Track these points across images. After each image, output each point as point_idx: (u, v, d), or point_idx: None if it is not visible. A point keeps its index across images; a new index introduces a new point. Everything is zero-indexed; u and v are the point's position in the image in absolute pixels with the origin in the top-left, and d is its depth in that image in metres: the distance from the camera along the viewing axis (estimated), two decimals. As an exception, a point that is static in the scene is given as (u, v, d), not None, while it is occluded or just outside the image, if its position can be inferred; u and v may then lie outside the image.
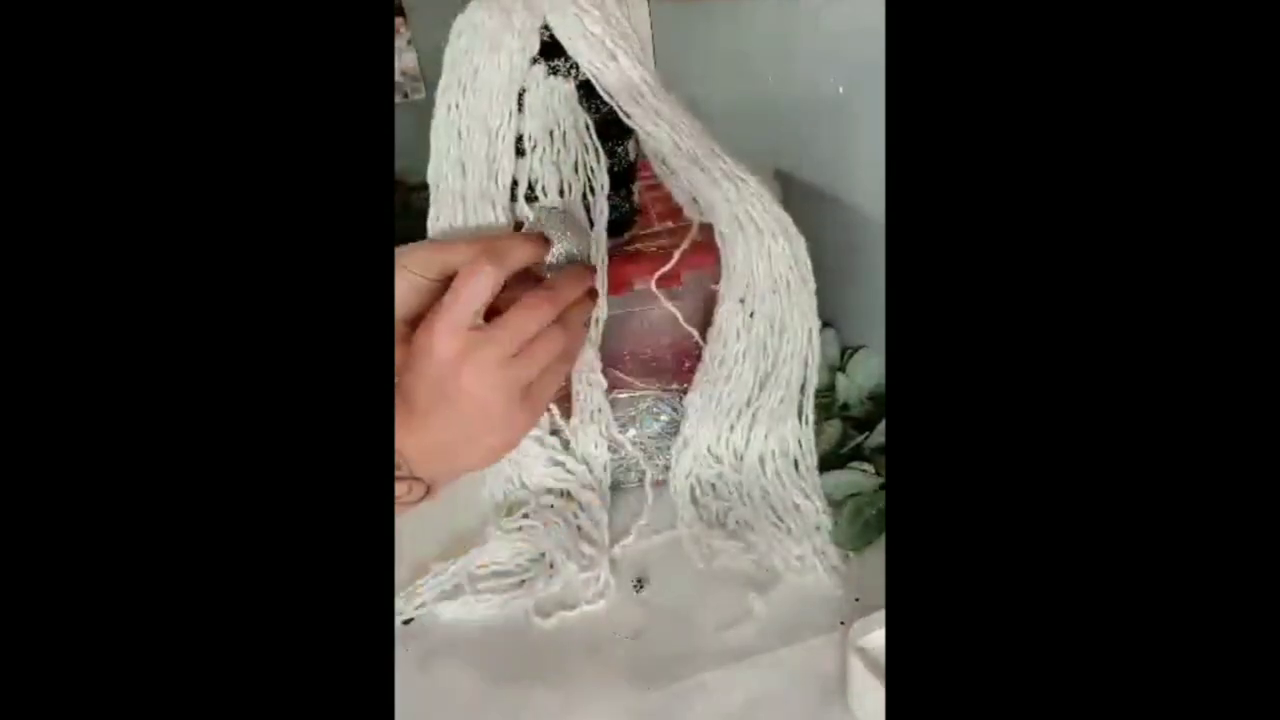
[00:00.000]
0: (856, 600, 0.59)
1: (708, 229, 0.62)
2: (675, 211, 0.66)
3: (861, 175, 0.75)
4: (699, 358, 0.67)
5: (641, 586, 0.63)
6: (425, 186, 0.61)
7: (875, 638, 0.51)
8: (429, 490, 0.48)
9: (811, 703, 0.52)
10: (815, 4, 0.76)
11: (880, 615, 0.51)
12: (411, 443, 0.47)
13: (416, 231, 0.61)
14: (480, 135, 0.58)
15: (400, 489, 0.47)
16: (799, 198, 0.85)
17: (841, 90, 0.75)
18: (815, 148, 0.82)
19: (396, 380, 0.48)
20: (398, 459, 0.47)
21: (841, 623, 0.57)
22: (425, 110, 0.60)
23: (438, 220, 0.61)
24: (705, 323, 0.66)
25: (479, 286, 0.47)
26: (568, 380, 0.66)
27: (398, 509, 0.47)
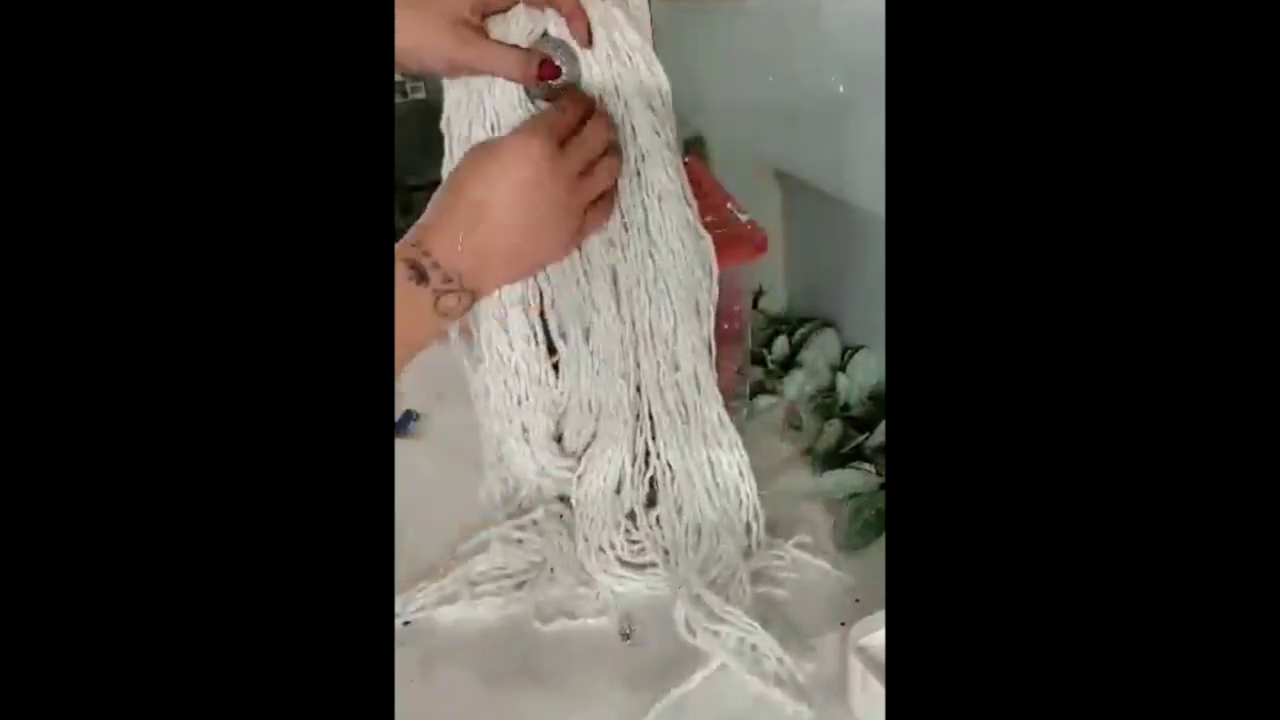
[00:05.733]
0: (856, 601, 0.59)
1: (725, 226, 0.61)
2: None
3: (861, 175, 0.75)
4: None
5: (629, 635, 0.60)
6: (425, 186, 0.61)
7: (875, 638, 0.51)
8: (474, 299, 0.51)
9: (812, 702, 0.52)
10: (815, 4, 0.76)
11: (880, 615, 0.51)
12: (468, 254, 0.50)
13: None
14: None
15: (449, 301, 0.50)
16: (799, 198, 0.85)
17: (841, 90, 0.75)
18: (815, 148, 0.82)
19: (457, 190, 0.51)
20: (449, 273, 0.49)
21: (842, 623, 0.57)
22: (425, 110, 0.59)
23: None
24: (720, 322, 0.65)
25: (578, 109, 0.52)
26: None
27: (446, 321, 0.51)
